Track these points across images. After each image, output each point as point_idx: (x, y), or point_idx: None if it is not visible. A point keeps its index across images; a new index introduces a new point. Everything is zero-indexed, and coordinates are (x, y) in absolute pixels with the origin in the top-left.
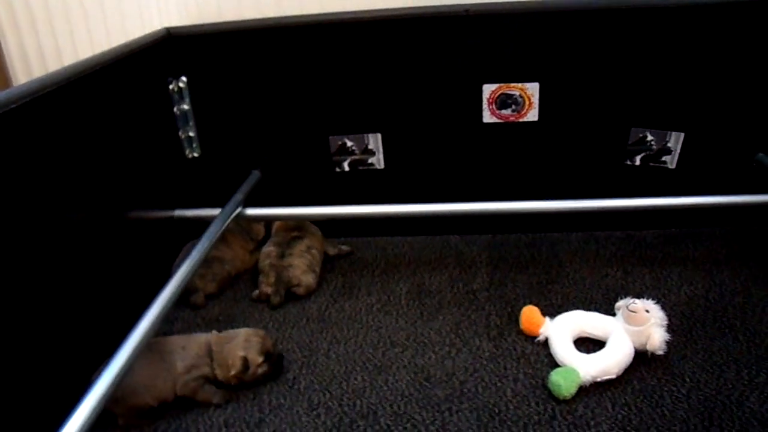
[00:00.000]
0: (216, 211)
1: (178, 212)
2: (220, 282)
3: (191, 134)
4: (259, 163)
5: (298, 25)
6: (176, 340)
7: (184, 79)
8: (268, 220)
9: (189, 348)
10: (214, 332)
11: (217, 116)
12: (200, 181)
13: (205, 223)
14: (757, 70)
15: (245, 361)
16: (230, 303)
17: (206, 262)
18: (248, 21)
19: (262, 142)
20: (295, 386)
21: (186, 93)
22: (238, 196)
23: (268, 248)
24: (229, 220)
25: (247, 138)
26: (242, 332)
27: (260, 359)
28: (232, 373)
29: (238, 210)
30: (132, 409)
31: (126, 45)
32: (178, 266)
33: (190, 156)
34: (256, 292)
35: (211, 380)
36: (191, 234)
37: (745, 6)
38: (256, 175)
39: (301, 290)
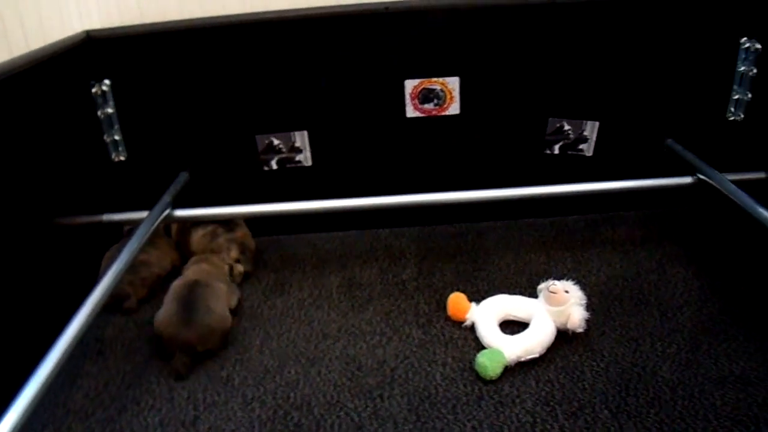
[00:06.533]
0: (145, 214)
1: (107, 216)
2: (150, 285)
3: (117, 138)
4: (187, 164)
5: (220, 25)
6: (203, 280)
7: (107, 82)
8: (198, 221)
9: (212, 273)
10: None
11: (143, 119)
12: (128, 184)
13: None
14: (664, 61)
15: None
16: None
17: (133, 267)
18: (170, 22)
19: (190, 144)
20: (230, 383)
21: (110, 96)
22: (166, 198)
23: (204, 230)
24: (157, 222)
25: (175, 140)
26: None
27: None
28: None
29: (167, 212)
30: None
31: (44, 48)
32: (104, 271)
33: (116, 159)
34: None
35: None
36: (121, 238)
37: (651, 1)
38: (184, 176)
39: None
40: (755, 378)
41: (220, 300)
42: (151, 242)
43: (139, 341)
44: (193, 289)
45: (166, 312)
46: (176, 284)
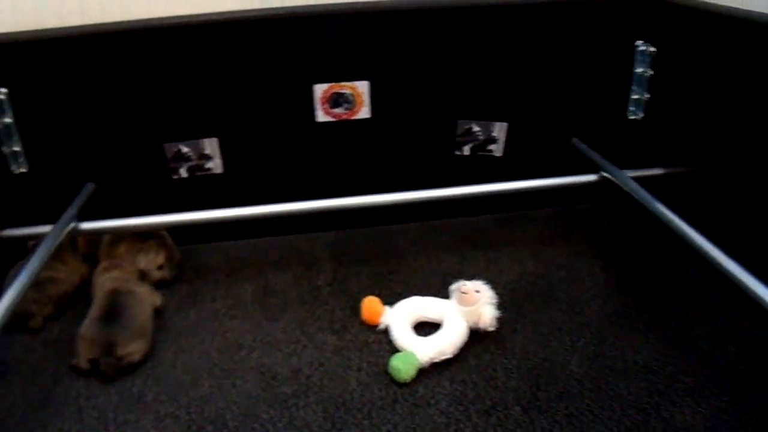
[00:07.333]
0: (49, 228)
1: (8, 231)
2: (57, 302)
3: (16, 149)
4: (93, 174)
5: (123, 30)
6: (122, 288)
7: (3, 90)
8: (106, 233)
9: (126, 278)
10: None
11: (45, 128)
12: (30, 197)
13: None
14: (567, 63)
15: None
16: (70, 321)
17: (38, 284)
18: (70, 27)
19: (95, 153)
20: (142, 399)
21: (7, 105)
22: (71, 211)
23: (126, 244)
24: (62, 236)
25: (79, 149)
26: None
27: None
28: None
29: (72, 224)
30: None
31: None
32: (6, 289)
33: (16, 171)
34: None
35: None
36: (25, 254)
37: (555, 6)
38: (90, 187)
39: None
40: (656, 366)
41: (143, 305)
42: (57, 257)
43: (46, 361)
44: (115, 297)
45: (88, 320)
46: (95, 297)
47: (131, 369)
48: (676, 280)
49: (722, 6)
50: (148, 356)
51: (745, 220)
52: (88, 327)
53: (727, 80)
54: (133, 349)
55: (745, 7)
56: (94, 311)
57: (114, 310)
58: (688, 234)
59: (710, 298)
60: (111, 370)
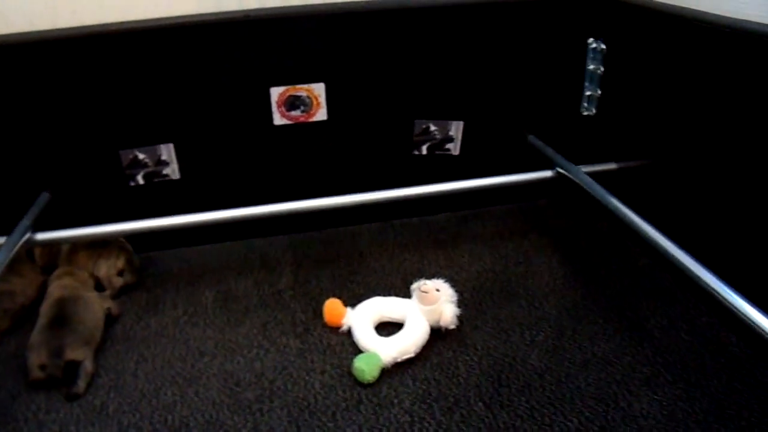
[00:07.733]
0: (2, 240)
1: None
2: (13, 316)
3: None
4: (47, 183)
5: (74, 36)
6: (70, 295)
7: None
8: (62, 244)
9: (76, 286)
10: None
11: None
12: None
13: None
14: (521, 61)
15: (96, 279)
16: (27, 335)
17: None
18: (18, 34)
19: (50, 162)
20: (104, 411)
21: None
22: (26, 221)
23: (85, 251)
24: (17, 248)
25: (33, 158)
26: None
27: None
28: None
29: (27, 236)
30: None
31: None
32: None
33: None
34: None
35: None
36: None
37: (508, 5)
38: (45, 196)
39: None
40: (614, 358)
41: (92, 310)
42: (13, 270)
43: (3, 377)
44: (62, 304)
45: (35, 330)
46: (43, 306)
47: (90, 380)
48: (630, 271)
49: (670, 5)
50: (108, 367)
51: (695, 211)
52: (35, 335)
53: (675, 77)
54: (84, 354)
55: (692, 7)
56: (41, 320)
57: (61, 316)
58: (640, 226)
59: (663, 288)
60: (59, 372)
